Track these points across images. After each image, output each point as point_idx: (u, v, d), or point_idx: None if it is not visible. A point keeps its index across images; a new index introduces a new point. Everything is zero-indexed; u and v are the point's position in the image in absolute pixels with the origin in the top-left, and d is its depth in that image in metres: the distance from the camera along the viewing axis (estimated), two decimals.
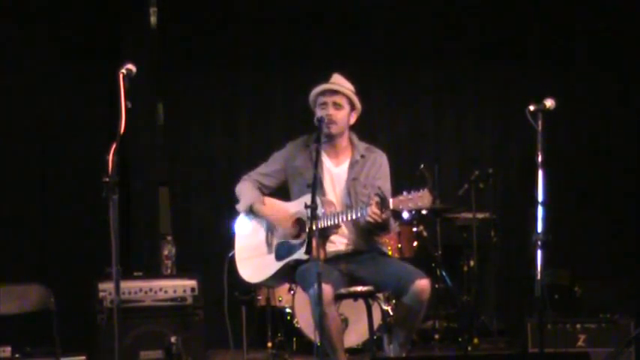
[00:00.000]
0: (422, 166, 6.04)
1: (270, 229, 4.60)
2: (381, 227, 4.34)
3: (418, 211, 4.10)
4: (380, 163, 4.60)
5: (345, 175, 4.55)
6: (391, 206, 4.12)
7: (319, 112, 4.48)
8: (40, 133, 6.57)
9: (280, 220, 4.53)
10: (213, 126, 7.20)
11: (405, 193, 4.09)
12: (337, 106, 4.50)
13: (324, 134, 4.47)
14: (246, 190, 4.66)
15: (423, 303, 4.22)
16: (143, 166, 6.86)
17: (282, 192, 4.71)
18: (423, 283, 4.21)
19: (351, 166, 4.56)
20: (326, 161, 4.57)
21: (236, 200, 4.71)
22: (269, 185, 4.68)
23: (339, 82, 4.57)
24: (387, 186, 4.55)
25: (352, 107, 4.56)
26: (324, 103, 4.50)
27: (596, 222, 7.02)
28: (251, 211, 4.63)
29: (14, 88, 6.51)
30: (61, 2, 6.63)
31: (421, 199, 4.05)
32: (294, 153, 4.64)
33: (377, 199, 4.15)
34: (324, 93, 4.52)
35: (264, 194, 4.68)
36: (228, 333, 5.95)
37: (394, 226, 4.53)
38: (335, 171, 4.57)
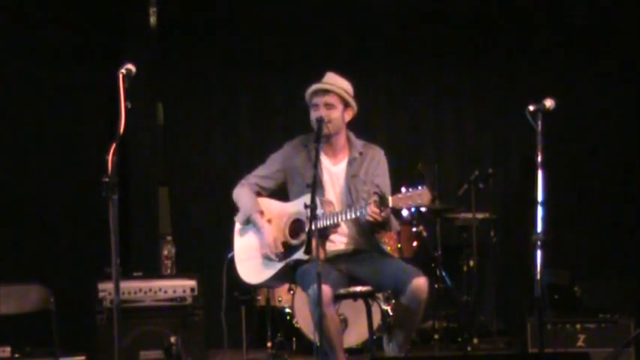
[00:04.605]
0: (420, 164, 6.05)
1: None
2: (382, 225, 4.33)
3: (417, 208, 4.09)
4: (378, 159, 4.59)
5: (344, 174, 4.54)
6: (390, 204, 4.12)
7: (312, 114, 4.48)
8: (39, 133, 6.57)
9: (271, 240, 4.47)
10: (213, 126, 7.19)
11: (403, 190, 4.09)
12: (329, 106, 4.47)
13: (322, 134, 4.46)
14: (243, 198, 4.63)
15: (421, 302, 4.21)
16: (143, 166, 6.87)
17: (281, 192, 4.70)
18: (420, 282, 4.20)
19: (350, 163, 4.55)
20: (324, 160, 4.56)
21: (234, 205, 4.69)
22: (268, 187, 4.66)
23: (331, 80, 4.54)
24: (386, 182, 4.55)
25: (346, 105, 4.54)
26: (316, 104, 4.48)
27: (596, 222, 7.01)
28: (249, 223, 4.61)
29: (14, 88, 6.50)
30: (62, 2, 6.63)
31: (420, 196, 4.04)
32: (292, 153, 4.63)
33: (376, 197, 4.15)
34: (315, 93, 4.50)
35: (262, 196, 4.66)
36: (231, 332, 5.95)
37: (395, 224, 4.52)
38: (334, 170, 4.57)
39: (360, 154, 4.57)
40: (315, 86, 4.51)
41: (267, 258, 4.49)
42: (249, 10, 7.14)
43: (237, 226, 4.71)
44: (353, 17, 7.17)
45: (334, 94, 4.48)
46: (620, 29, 7.04)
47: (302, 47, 7.13)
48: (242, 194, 4.64)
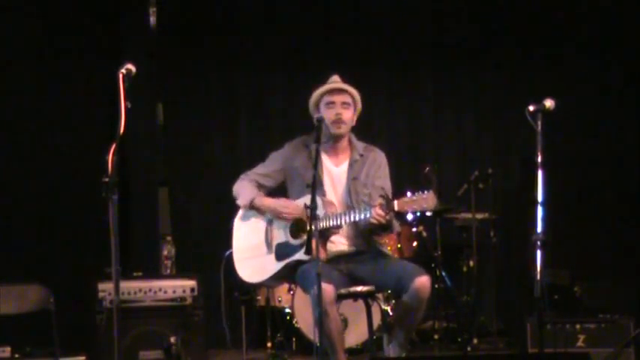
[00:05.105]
0: (427, 168, 6.04)
1: (270, 229, 4.59)
2: (384, 228, 4.34)
3: (422, 212, 4.10)
4: (379, 162, 4.60)
5: (345, 175, 4.55)
6: (396, 208, 4.12)
7: (325, 112, 4.47)
8: (40, 133, 6.56)
9: (286, 207, 4.49)
10: (213, 126, 7.19)
11: (409, 194, 4.09)
12: (346, 105, 4.51)
13: (330, 135, 4.47)
14: (244, 188, 4.65)
15: (423, 300, 4.22)
16: (143, 166, 6.87)
17: (281, 192, 4.71)
18: (423, 280, 4.21)
19: (351, 165, 4.56)
20: (326, 161, 4.57)
21: (234, 199, 4.70)
22: (267, 186, 4.67)
23: (341, 82, 4.57)
24: (387, 184, 4.56)
25: (355, 107, 4.56)
26: (332, 103, 4.49)
27: (596, 222, 7.01)
28: (252, 207, 4.61)
29: (14, 88, 6.50)
30: (61, 2, 6.63)
31: (426, 200, 4.05)
32: (292, 153, 4.64)
33: (381, 200, 4.15)
34: (331, 92, 4.51)
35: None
36: (231, 331, 5.96)
37: (397, 226, 4.53)
38: (335, 171, 4.57)
39: (361, 156, 4.58)
40: (332, 85, 4.53)
41: (282, 242, 4.47)
42: (249, 10, 7.14)
43: (237, 225, 4.71)
44: (353, 17, 7.18)
45: (349, 94, 4.51)
46: (620, 29, 7.04)
47: (302, 47, 7.13)
48: (242, 186, 4.66)
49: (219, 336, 6.25)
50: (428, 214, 6.03)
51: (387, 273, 4.36)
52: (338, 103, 4.49)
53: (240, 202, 4.66)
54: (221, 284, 5.85)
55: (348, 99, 4.51)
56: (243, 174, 4.71)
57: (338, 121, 4.47)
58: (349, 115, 4.52)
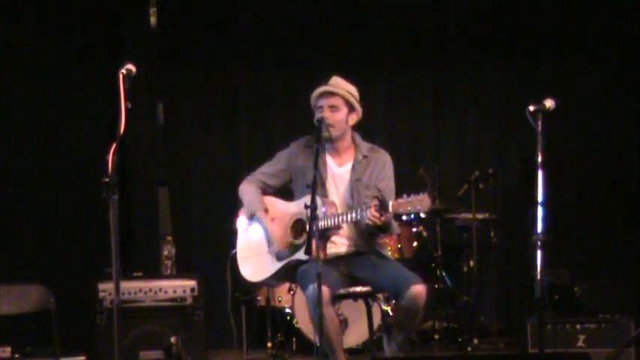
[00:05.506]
0: (421, 169, 6.04)
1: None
2: (382, 229, 4.35)
3: (417, 214, 4.10)
4: (383, 163, 4.60)
5: (348, 176, 4.55)
6: (390, 209, 4.12)
7: (317, 115, 4.48)
8: (39, 133, 6.56)
9: (278, 237, 4.52)
10: (213, 126, 7.19)
11: (404, 196, 4.09)
12: (333, 108, 4.49)
13: (323, 137, 4.47)
14: (248, 193, 4.66)
15: (419, 308, 4.23)
16: (143, 166, 6.87)
17: (287, 191, 4.72)
18: (418, 289, 4.21)
19: (354, 167, 4.56)
20: (329, 161, 4.57)
21: (238, 200, 4.72)
22: (272, 185, 4.70)
23: (337, 84, 4.56)
24: (390, 186, 4.56)
25: (350, 109, 4.55)
26: (320, 106, 4.50)
27: (596, 222, 7.01)
28: (253, 218, 4.64)
29: (14, 88, 6.50)
30: (62, 2, 6.63)
31: (420, 202, 4.05)
32: (296, 153, 4.65)
33: (376, 202, 4.16)
34: (321, 95, 4.52)
35: (267, 193, 4.68)
36: (232, 331, 5.97)
37: (396, 227, 4.53)
38: (337, 171, 4.57)
39: (365, 157, 4.57)
40: (320, 89, 4.53)
41: (276, 255, 4.49)
42: (249, 10, 7.14)
43: (242, 224, 4.73)
44: (353, 17, 7.17)
45: (339, 96, 4.50)
46: (620, 29, 7.04)
47: (302, 47, 7.12)
48: (247, 190, 4.67)
49: (219, 336, 6.26)
50: (422, 215, 6.03)
51: (383, 277, 4.37)
52: (325, 106, 4.49)
53: (242, 212, 4.69)
54: (227, 282, 5.86)
55: (336, 102, 4.50)
56: (250, 175, 4.73)
57: (327, 124, 4.47)
58: (337, 118, 4.50)
